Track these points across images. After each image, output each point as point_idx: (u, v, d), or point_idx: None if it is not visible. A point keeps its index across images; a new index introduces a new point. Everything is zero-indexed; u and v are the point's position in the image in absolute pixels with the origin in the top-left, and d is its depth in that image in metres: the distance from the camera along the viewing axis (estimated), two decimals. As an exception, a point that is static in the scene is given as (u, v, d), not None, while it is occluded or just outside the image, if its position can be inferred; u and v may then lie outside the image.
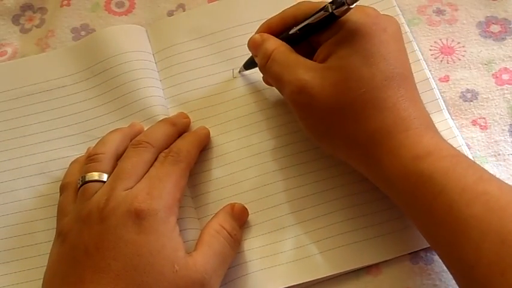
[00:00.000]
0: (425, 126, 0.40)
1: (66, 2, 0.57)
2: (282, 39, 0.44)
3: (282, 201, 0.46)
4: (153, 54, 0.53)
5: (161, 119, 0.49)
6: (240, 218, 0.45)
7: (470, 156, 0.46)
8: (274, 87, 0.47)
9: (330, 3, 0.40)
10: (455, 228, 0.35)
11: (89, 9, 0.56)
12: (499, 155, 0.46)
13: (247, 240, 0.45)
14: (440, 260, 0.39)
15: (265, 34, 0.45)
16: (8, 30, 0.57)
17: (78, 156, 0.48)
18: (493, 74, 0.49)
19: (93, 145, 0.46)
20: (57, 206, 0.45)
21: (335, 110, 0.40)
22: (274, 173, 0.47)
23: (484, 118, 0.48)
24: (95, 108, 0.51)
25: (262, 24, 0.46)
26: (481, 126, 0.47)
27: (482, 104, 0.48)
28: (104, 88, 0.51)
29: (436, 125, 0.41)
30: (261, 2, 0.53)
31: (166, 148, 0.45)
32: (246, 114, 0.49)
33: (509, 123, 0.47)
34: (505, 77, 0.49)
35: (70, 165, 0.47)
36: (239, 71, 0.51)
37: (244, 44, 0.49)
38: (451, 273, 0.37)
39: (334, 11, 0.40)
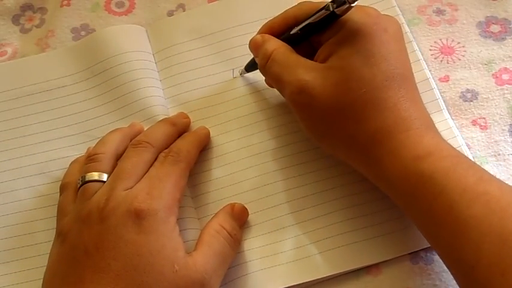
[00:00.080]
0: (426, 126, 0.40)
1: (66, 2, 0.57)
2: (283, 39, 0.44)
3: (282, 201, 0.46)
4: (153, 54, 0.53)
5: (161, 119, 0.49)
6: (240, 218, 0.45)
7: (471, 156, 0.46)
8: (274, 88, 0.48)
9: (331, 2, 0.40)
10: (455, 229, 0.35)
11: (89, 9, 0.56)
12: (499, 155, 0.46)
13: (247, 240, 0.45)
14: (441, 260, 0.39)
15: (266, 35, 0.45)
16: (8, 30, 0.57)
17: (78, 156, 0.48)
18: (493, 74, 0.49)
19: (93, 145, 0.46)
20: (57, 206, 0.45)
21: (335, 110, 0.40)
22: (274, 173, 0.47)
23: (484, 118, 0.48)
24: (95, 108, 0.51)
25: (264, 25, 0.46)
26: (481, 126, 0.47)
27: (482, 104, 0.48)
28: (104, 88, 0.51)
29: (436, 125, 0.41)
30: (261, 2, 0.53)
31: (166, 148, 0.45)
32: (246, 114, 0.49)
33: (509, 123, 0.47)
34: (505, 77, 0.49)
35: (70, 165, 0.47)
36: (241, 73, 0.51)
37: (244, 44, 0.49)
38: (452, 273, 0.37)
39: (335, 10, 0.40)
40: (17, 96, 0.52)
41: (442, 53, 0.51)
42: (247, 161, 0.47)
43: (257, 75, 0.50)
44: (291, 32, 0.44)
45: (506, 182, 0.44)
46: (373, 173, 0.41)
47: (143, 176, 0.42)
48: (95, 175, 0.43)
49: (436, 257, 0.43)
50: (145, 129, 0.48)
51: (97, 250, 0.39)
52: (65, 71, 0.53)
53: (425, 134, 0.39)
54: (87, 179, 0.43)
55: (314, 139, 0.44)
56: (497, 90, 0.48)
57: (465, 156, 0.40)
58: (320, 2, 0.42)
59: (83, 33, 0.55)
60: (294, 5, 0.45)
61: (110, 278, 0.38)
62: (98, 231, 0.39)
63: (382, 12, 0.43)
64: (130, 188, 0.41)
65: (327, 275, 0.43)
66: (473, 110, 0.48)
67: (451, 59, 0.50)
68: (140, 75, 0.51)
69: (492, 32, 0.51)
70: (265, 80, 0.49)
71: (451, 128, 0.47)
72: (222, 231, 0.43)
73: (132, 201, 0.40)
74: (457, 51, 0.50)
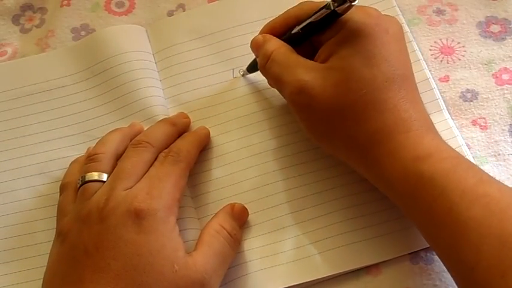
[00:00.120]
0: (426, 127, 0.40)
1: (66, 2, 0.57)
2: (285, 39, 0.44)
3: (282, 201, 0.46)
4: (153, 54, 0.53)
5: (161, 119, 0.49)
6: (240, 218, 0.45)
7: (471, 156, 0.46)
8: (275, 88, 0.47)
9: (331, 0, 0.40)
10: (455, 230, 0.35)
11: (89, 9, 0.56)
12: (499, 155, 0.46)
13: (247, 240, 0.45)
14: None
15: (268, 35, 0.45)
16: (8, 30, 0.57)
17: (78, 156, 0.48)
18: (493, 74, 0.49)
19: (93, 145, 0.46)
20: (57, 206, 0.45)
21: (335, 110, 0.40)
22: (274, 173, 0.47)
23: (484, 118, 0.48)
24: (95, 108, 0.51)
25: (266, 25, 0.46)
26: (481, 126, 0.47)
27: (482, 104, 0.48)
28: (104, 88, 0.51)
29: (436, 125, 0.41)
30: (260, 2, 0.53)
31: (166, 148, 0.45)
32: (246, 114, 0.49)
33: (509, 123, 0.47)
34: (505, 77, 0.49)
35: (70, 165, 0.47)
36: (243, 74, 0.51)
37: (244, 44, 0.49)
38: (451, 274, 0.37)
39: (336, 9, 0.40)
40: (17, 96, 0.52)
41: (442, 53, 0.51)
42: (247, 161, 0.47)
43: (257, 76, 0.50)
44: (292, 32, 0.44)
45: (506, 182, 0.44)
46: (373, 174, 0.41)
47: (143, 176, 0.42)
48: (94, 175, 0.43)
49: (436, 257, 0.43)
50: (145, 129, 0.48)
51: (97, 250, 0.39)
52: (65, 71, 0.53)
53: (425, 135, 0.39)
54: (87, 179, 0.43)
55: (314, 139, 0.44)
56: (497, 90, 0.48)
57: (465, 157, 0.40)
58: (321, 2, 0.42)
59: (83, 33, 0.55)
60: (294, 5, 0.45)
61: (110, 278, 0.38)
62: (98, 231, 0.39)
63: (382, 13, 0.43)
64: (130, 188, 0.41)
65: (327, 275, 0.43)
66: (473, 110, 0.48)
67: (451, 59, 0.50)
68: (140, 75, 0.51)
69: (492, 32, 0.51)
70: (268, 81, 0.49)
71: (451, 128, 0.47)
72: (222, 231, 0.43)
73: (132, 201, 0.40)
74: (457, 51, 0.50)
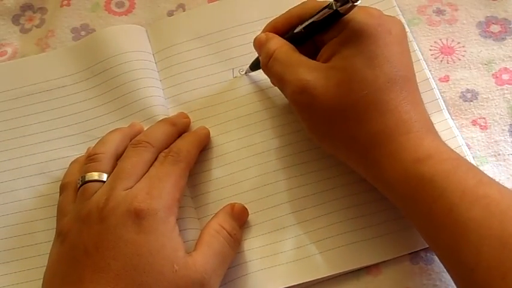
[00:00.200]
0: (426, 129, 0.40)
1: (66, 2, 0.57)
2: (287, 38, 0.44)
3: (282, 201, 0.46)
4: (153, 54, 0.53)
5: (161, 119, 0.49)
6: (240, 218, 0.45)
7: (471, 157, 0.46)
8: (275, 87, 0.47)
9: (334, 0, 0.40)
10: (455, 231, 0.35)
11: (89, 9, 0.56)
12: (499, 155, 0.46)
13: (247, 240, 0.45)
14: (441, 261, 0.39)
15: (270, 33, 0.45)
16: (8, 30, 0.57)
17: (78, 156, 0.48)
18: (493, 74, 0.49)
19: (93, 145, 0.46)
20: (57, 206, 0.45)
21: (337, 111, 0.40)
22: (274, 173, 0.47)
23: (484, 118, 0.48)
24: (95, 108, 0.51)
25: (268, 23, 0.46)
26: (481, 126, 0.47)
27: (482, 104, 0.48)
28: (104, 88, 0.51)
29: (436, 125, 0.41)
30: (261, 2, 0.53)
31: (166, 148, 0.45)
32: (246, 114, 0.49)
33: (509, 123, 0.47)
34: (505, 77, 0.49)
35: (70, 165, 0.47)
36: (245, 72, 0.51)
37: (244, 44, 0.49)
38: (451, 276, 0.37)
39: (339, 9, 0.40)
40: (17, 96, 0.52)
41: (442, 53, 0.51)
42: (247, 161, 0.47)
43: (257, 75, 0.50)
44: (295, 31, 0.44)
45: (506, 182, 0.44)
46: (373, 175, 0.41)
47: (143, 175, 0.42)
48: (94, 175, 0.43)
49: (436, 258, 0.42)
50: (145, 129, 0.48)
51: (97, 250, 0.39)
52: (65, 71, 0.53)
53: (425, 136, 0.39)
54: (87, 179, 0.43)
55: (315, 139, 0.44)
56: (497, 90, 0.48)
57: (465, 159, 0.40)
58: (324, 1, 0.42)
59: (83, 33, 0.55)
60: (294, 4, 0.45)
61: (110, 278, 0.38)
62: (98, 231, 0.39)
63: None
64: (130, 188, 0.41)
65: (327, 275, 0.43)
66: (473, 110, 0.48)
67: (451, 59, 0.50)
68: (140, 75, 0.51)
69: (492, 32, 0.51)
70: (270, 80, 0.49)
71: (451, 128, 0.47)
72: (222, 231, 0.43)
73: (132, 201, 0.40)
74: (457, 51, 0.50)
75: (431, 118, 0.41)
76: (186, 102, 0.51)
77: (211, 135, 0.49)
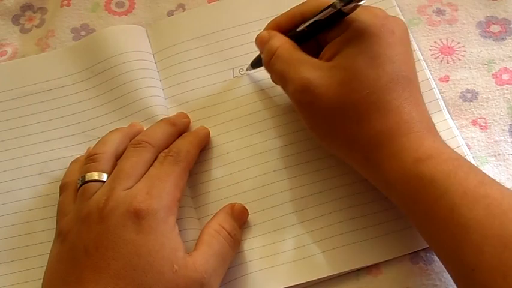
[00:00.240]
0: (428, 130, 0.40)
1: (66, 2, 0.57)
2: (290, 37, 0.44)
3: (282, 201, 0.46)
4: (153, 54, 0.53)
5: (161, 119, 0.49)
6: (240, 218, 0.45)
7: (471, 157, 0.46)
8: (276, 87, 0.47)
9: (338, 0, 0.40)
10: (456, 231, 0.35)
11: (89, 9, 0.56)
12: (499, 155, 0.46)
13: (247, 240, 0.45)
14: (441, 261, 0.39)
15: (273, 31, 0.45)
16: (8, 30, 0.57)
17: (78, 156, 0.48)
18: (493, 74, 0.49)
19: (93, 145, 0.46)
20: (57, 206, 0.45)
21: (338, 109, 0.40)
22: (274, 173, 0.47)
23: (484, 118, 0.48)
24: (95, 108, 0.51)
25: (271, 21, 0.46)
26: (481, 126, 0.47)
27: (482, 104, 0.48)
28: (103, 88, 0.51)
29: (436, 125, 0.41)
30: (260, 2, 0.53)
31: (166, 148, 0.45)
32: (246, 114, 0.49)
33: (509, 123, 0.47)
34: (505, 77, 0.49)
35: (70, 165, 0.47)
36: (246, 69, 0.51)
37: (244, 44, 0.49)
38: (451, 276, 0.37)
39: (342, 8, 0.40)
40: (17, 96, 0.52)
41: (442, 53, 0.51)
42: (247, 161, 0.47)
43: (257, 75, 0.50)
44: (298, 29, 0.44)
45: (506, 182, 0.44)
46: (373, 175, 0.41)
47: (143, 175, 0.42)
48: (94, 175, 0.43)
49: (436, 258, 0.42)
50: (145, 129, 0.48)
51: (97, 250, 0.39)
52: (65, 71, 0.53)
53: (426, 137, 0.39)
54: (87, 179, 0.43)
55: (316, 137, 0.44)
56: (497, 90, 0.48)
57: (466, 159, 0.40)
58: (327, 0, 0.42)
59: (83, 33, 0.55)
60: (295, 4, 0.45)
61: (110, 278, 0.38)
62: (98, 231, 0.39)
63: (383, 13, 0.43)
64: (130, 188, 0.41)
65: (327, 275, 0.43)
66: (473, 110, 0.48)
67: (451, 59, 0.50)
68: (140, 75, 0.51)
69: (492, 32, 0.51)
70: (271, 77, 0.49)
71: (451, 128, 0.47)
72: (222, 231, 0.43)
73: (132, 201, 0.40)
74: (457, 51, 0.50)
75: (433, 122, 0.41)
76: (186, 102, 0.51)
77: (211, 135, 0.49)
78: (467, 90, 0.49)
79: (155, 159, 0.44)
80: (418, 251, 0.43)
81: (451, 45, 0.51)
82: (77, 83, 0.52)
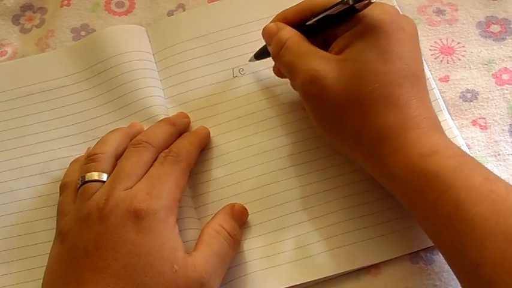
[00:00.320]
0: (434, 127, 0.40)
1: (66, 2, 0.57)
2: (297, 30, 0.44)
3: (282, 201, 0.46)
4: (153, 54, 0.53)
5: (161, 119, 0.49)
6: (240, 218, 0.45)
7: (471, 157, 0.46)
8: (276, 87, 0.47)
9: None
10: (460, 227, 0.35)
11: (89, 9, 0.56)
12: (499, 155, 0.46)
13: (247, 240, 0.45)
14: (441, 260, 0.39)
15: (281, 23, 0.45)
16: (8, 30, 0.57)
17: (78, 156, 0.48)
18: (493, 74, 0.49)
19: (93, 145, 0.46)
20: (57, 206, 0.45)
21: (346, 102, 0.40)
22: (274, 173, 0.47)
23: (484, 118, 0.48)
24: (95, 108, 0.51)
25: (278, 14, 0.46)
26: (481, 126, 0.47)
27: (482, 104, 0.48)
28: (104, 88, 0.51)
29: (437, 125, 0.42)
30: (260, 2, 0.53)
31: (166, 148, 0.45)
32: (246, 114, 0.49)
33: (509, 123, 0.47)
34: (505, 77, 0.49)
35: (70, 164, 0.47)
36: (249, 60, 0.50)
37: (244, 44, 0.49)
38: (455, 272, 0.37)
39: (355, 5, 0.40)
40: (17, 96, 0.52)
41: (442, 53, 0.51)
42: (247, 161, 0.47)
43: (258, 75, 0.50)
44: (307, 23, 0.44)
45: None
46: (378, 170, 0.41)
47: (143, 176, 0.42)
48: (94, 175, 0.43)
49: (436, 257, 0.43)
50: (145, 129, 0.48)
51: (96, 250, 0.39)
52: (65, 71, 0.53)
53: (432, 133, 0.39)
54: (87, 179, 0.43)
55: (321, 130, 0.43)
56: (497, 90, 0.48)
57: (470, 156, 0.40)
58: None
59: (83, 33, 0.55)
60: (294, 4, 0.45)
61: (110, 278, 0.38)
62: (98, 231, 0.39)
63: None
64: (130, 188, 0.41)
65: (327, 275, 0.43)
66: (473, 110, 0.48)
67: (451, 59, 0.50)
68: (140, 75, 0.51)
69: (492, 32, 0.51)
70: (273, 69, 0.48)
71: (451, 128, 0.47)
72: (222, 231, 0.43)
73: (132, 201, 0.40)
74: (457, 51, 0.50)
75: (439, 120, 0.41)
76: (186, 102, 0.51)
77: (211, 135, 0.49)
78: (467, 90, 0.49)
79: (155, 159, 0.44)
80: (418, 251, 0.43)
81: (451, 45, 0.51)
82: (77, 83, 0.52)
